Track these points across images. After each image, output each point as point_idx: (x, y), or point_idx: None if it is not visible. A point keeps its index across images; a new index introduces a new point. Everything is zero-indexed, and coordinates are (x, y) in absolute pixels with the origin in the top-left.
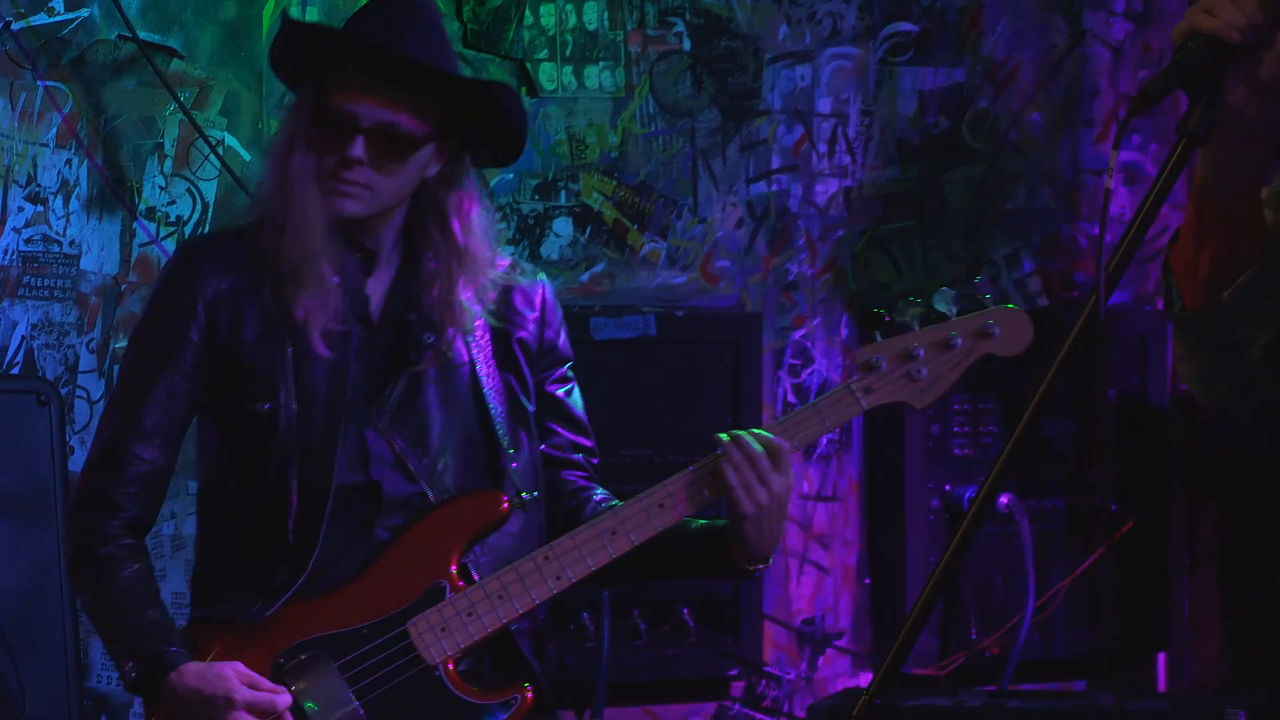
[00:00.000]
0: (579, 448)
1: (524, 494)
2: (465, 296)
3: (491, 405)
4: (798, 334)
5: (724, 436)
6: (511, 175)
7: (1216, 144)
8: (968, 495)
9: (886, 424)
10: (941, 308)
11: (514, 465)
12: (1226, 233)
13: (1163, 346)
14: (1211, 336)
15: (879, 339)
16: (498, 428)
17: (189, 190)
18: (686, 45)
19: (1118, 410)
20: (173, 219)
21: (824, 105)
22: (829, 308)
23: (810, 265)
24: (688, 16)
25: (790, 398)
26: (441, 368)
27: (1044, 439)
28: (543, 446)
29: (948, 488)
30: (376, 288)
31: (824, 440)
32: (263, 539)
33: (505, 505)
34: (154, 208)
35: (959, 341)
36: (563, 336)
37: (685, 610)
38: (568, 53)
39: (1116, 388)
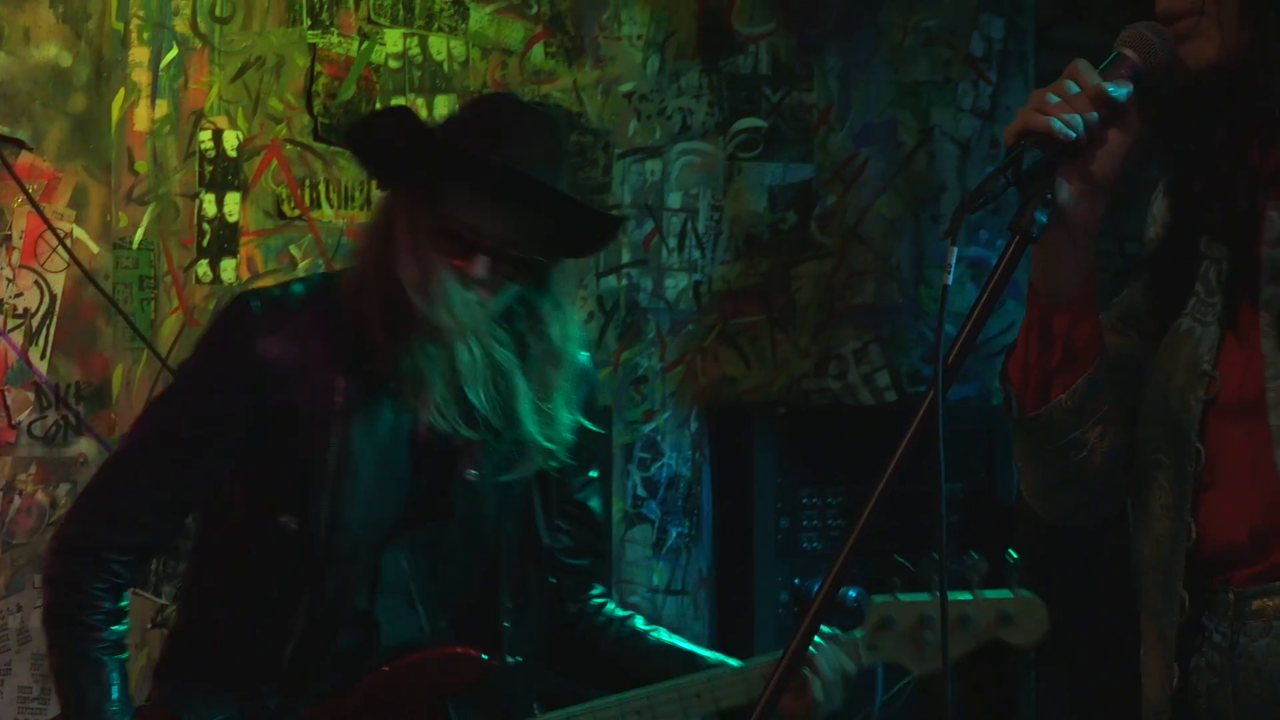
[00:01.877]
0: (590, 552)
1: (508, 657)
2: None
3: (505, 547)
4: (647, 428)
5: (813, 649)
6: None
7: (1050, 244)
8: (815, 588)
9: (736, 517)
10: (966, 575)
11: (509, 621)
12: (1062, 334)
13: (1008, 442)
14: (1050, 441)
15: (899, 596)
16: (503, 575)
17: (36, 282)
18: None
19: (965, 504)
20: (20, 311)
21: (674, 200)
22: (679, 402)
23: (660, 359)
24: None
25: (640, 491)
26: (472, 498)
27: (889, 531)
28: (553, 545)
29: (797, 581)
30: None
31: (674, 533)
32: (255, 658)
33: (481, 672)
34: (1, 300)
35: (975, 620)
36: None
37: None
38: None
39: (963, 482)
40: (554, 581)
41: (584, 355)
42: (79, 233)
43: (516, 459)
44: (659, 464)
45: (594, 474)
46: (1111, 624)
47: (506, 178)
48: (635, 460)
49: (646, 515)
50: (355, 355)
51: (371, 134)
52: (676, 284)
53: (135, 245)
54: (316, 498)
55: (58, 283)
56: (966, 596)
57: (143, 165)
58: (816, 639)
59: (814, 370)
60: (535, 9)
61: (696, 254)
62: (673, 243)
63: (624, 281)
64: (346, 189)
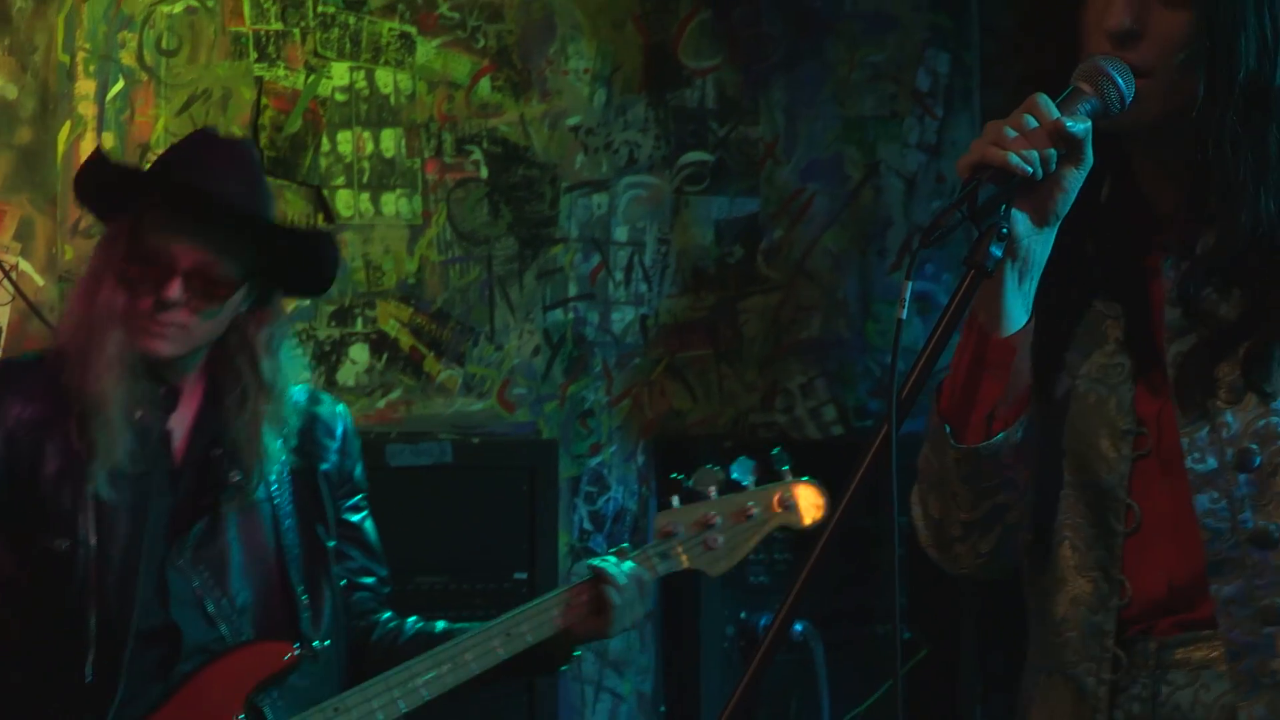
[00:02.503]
0: (370, 572)
1: (314, 643)
2: (270, 433)
3: (289, 549)
4: (594, 461)
5: (596, 563)
6: (308, 302)
7: (999, 281)
8: (763, 623)
9: None
10: (739, 477)
11: (306, 612)
12: (1008, 368)
13: None
14: (986, 478)
15: (677, 505)
16: (293, 573)
17: None
18: (484, 173)
19: (911, 539)
20: None
21: (621, 233)
22: (625, 435)
23: (607, 393)
24: (485, 145)
25: (586, 525)
26: (244, 507)
27: (839, 567)
28: (337, 569)
29: (743, 615)
30: (180, 424)
31: None
32: (58, 676)
33: (289, 658)
34: None
35: (756, 513)
36: (359, 467)
37: None
38: (365, 180)
39: (910, 516)
40: (345, 590)
41: (299, 390)
42: (24, 265)
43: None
44: (605, 497)
45: (362, 499)
46: None
47: (189, 195)
48: (582, 494)
49: (593, 549)
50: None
51: (85, 180)
52: (623, 317)
53: (63, 313)
54: (80, 518)
55: (3, 315)
56: (745, 490)
57: None
58: (610, 557)
59: (760, 404)
60: (482, 43)
61: (643, 287)
62: (619, 276)
63: (570, 315)
64: (293, 222)
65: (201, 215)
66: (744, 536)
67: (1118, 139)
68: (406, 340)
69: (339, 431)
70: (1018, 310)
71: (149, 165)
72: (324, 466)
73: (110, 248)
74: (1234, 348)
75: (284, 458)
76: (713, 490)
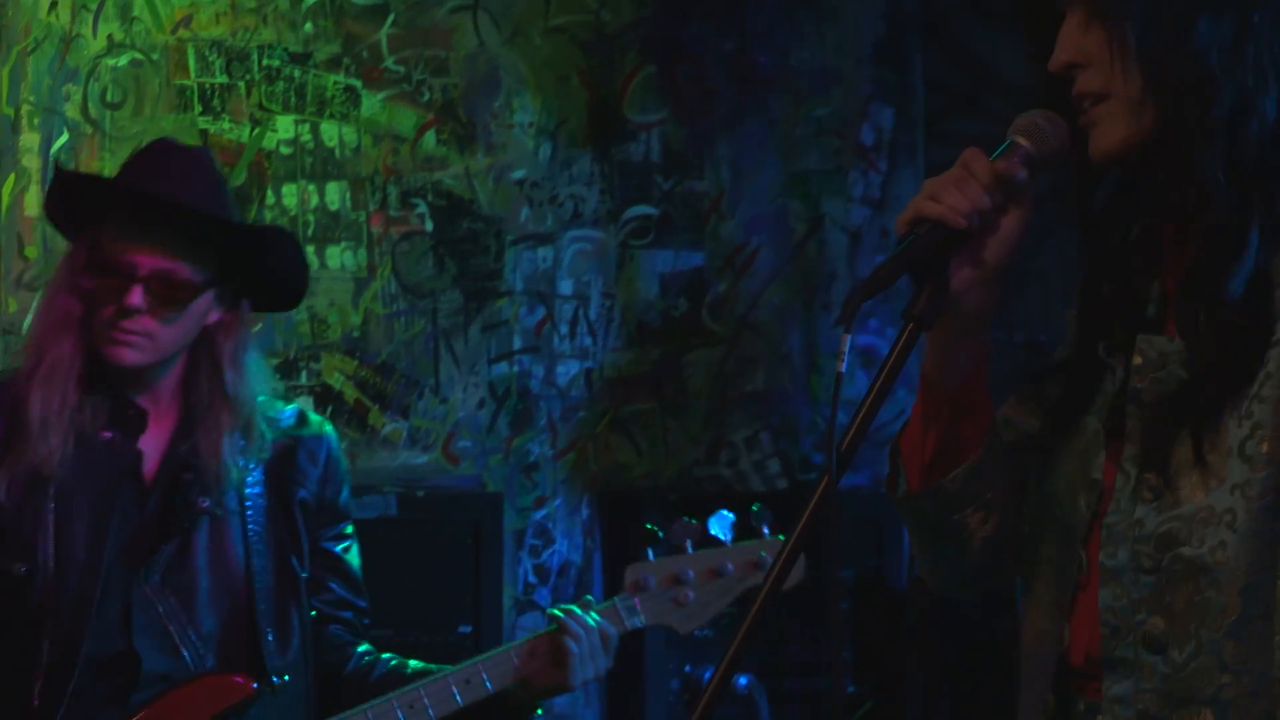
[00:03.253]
0: (349, 605)
1: (274, 678)
2: (236, 450)
3: (258, 577)
4: (539, 514)
5: (558, 612)
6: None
7: (943, 332)
8: (707, 675)
9: None
10: (717, 532)
11: (270, 646)
12: (950, 420)
13: (899, 529)
14: (930, 520)
15: (651, 557)
16: (260, 604)
17: None
18: (429, 226)
19: (856, 592)
20: None
21: (566, 287)
22: (570, 488)
23: (551, 446)
24: (430, 198)
25: (531, 578)
26: (214, 531)
27: (782, 620)
28: (313, 600)
29: (688, 668)
30: (152, 445)
31: None
32: (6, 700)
33: (248, 692)
34: None
35: (731, 570)
36: (345, 493)
37: None
38: (310, 233)
39: (855, 569)
40: (316, 621)
41: (288, 410)
42: None
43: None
44: (550, 551)
45: (346, 528)
46: (998, 706)
47: (144, 198)
48: (526, 547)
49: (537, 602)
50: (62, 402)
51: (51, 195)
52: (568, 371)
53: (25, 331)
54: (39, 541)
55: None
56: (721, 547)
57: (32, 250)
58: (574, 608)
59: (705, 457)
60: (427, 96)
61: (588, 341)
62: (564, 329)
63: (516, 368)
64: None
65: (158, 219)
66: (717, 594)
67: (1143, 185)
68: (351, 393)
69: (322, 457)
70: (961, 362)
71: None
72: (302, 494)
73: (70, 262)
74: (1185, 429)
75: (259, 481)
76: (688, 544)
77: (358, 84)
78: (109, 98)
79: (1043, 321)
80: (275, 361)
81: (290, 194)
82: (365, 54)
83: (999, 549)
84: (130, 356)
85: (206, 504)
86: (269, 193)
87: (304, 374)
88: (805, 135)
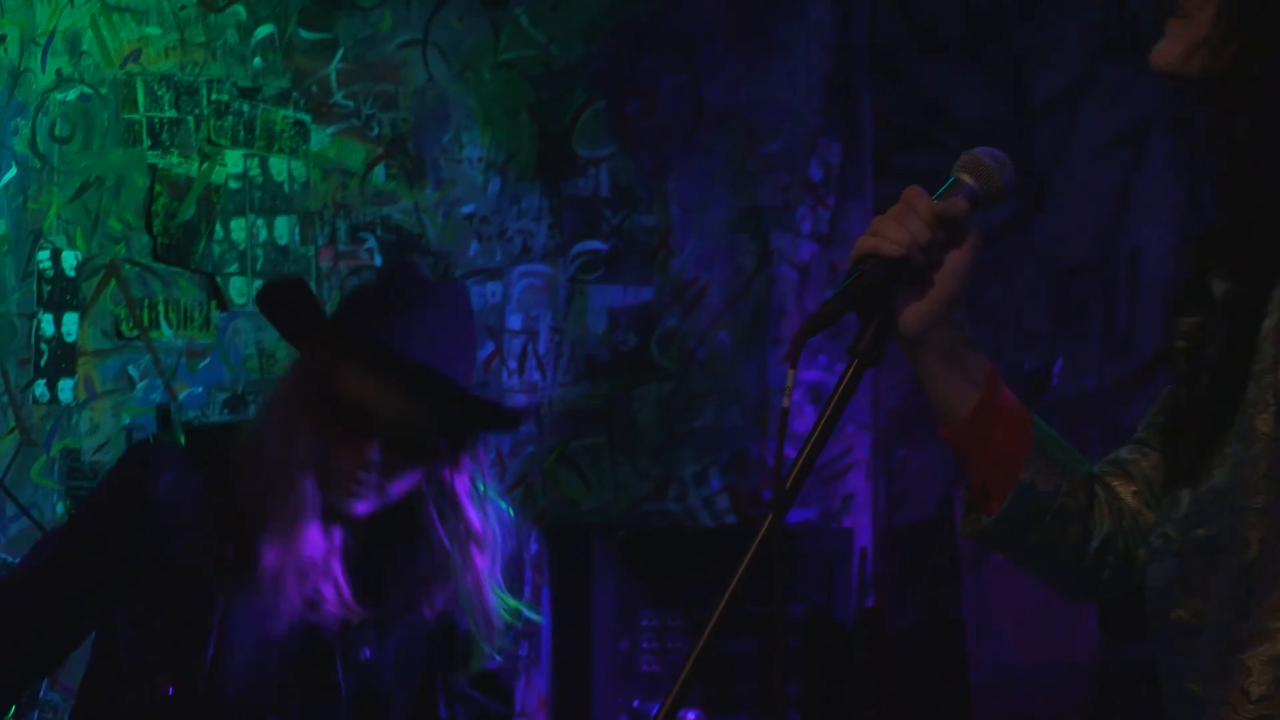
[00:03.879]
0: (493, 714)
1: None
2: (497, 593)
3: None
4: None
5: None
6: (201, 389)
7: (924, 371)
8: (655, 710)
9: (575, 639)
10: None
11: None
12: (980, 448)
13: (848, 564)
14: (1017, 546)
15: None
16: None
17: None
18: (378, 261)
19: (803, 627)
20: None
21: (514, 322)
22: (518, 524)
23: (500, 481)
24: (379, 232)
25: None
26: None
27: (729, 655)
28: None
29: (636, 704)
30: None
31: (519, 654)
32: None
33: None
34: None
35: None
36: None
37: None
38: (258, 267)
39: (803, 604)
40: None
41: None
42: None
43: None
44: None
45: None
46: None
47: (391, 360)
48: None
49: None
50: (245, 520)
51: (273, 301)
52: (516, 405)
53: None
54: (195, 666)
55: None
56: None
57: None
58: None
59: (654, 492)
60: (376, 131)
61: (537, 376)
62: (513, 364)
63: None
64: (186, 309)
65: (397, 377)
66: None
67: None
68: None
69: None
70: (958, 394)
71: (346, 299)
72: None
73: (304, 385)
74: (1202, 414)
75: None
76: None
77: (307, 118)
78: (58, 132)
79: (992, 356)
80: (224, 396)
81: (239, 228)
82: (314, 89)
83: (1111, 550)
84: (362, 508)
85: (367, 658)
86: (218, 227)
87: (252, 409)
88: (754, 170)
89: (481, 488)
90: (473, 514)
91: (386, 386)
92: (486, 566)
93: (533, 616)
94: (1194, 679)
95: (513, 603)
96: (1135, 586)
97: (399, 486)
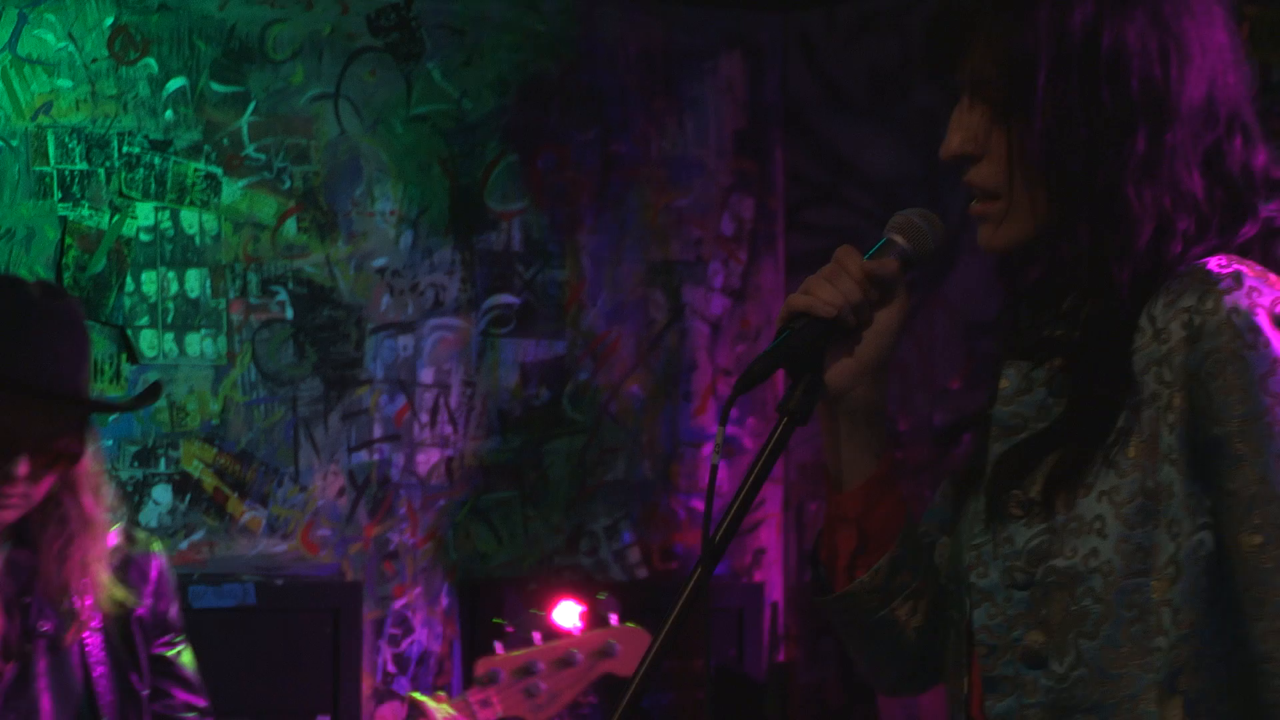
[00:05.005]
0: (191, 707)
1: None
2: (92, 576)
3: (100, 695)
4: (398, 603)
5: (417, 695)
6: (111, 442)
7: (835, 429)
8: None
9: None
10: (564, 623)
11: None
12: (862, 516)
13: (759, 619)
14: (859, 619)
15: (498, 651)
16: None
17: None
18: (289, 314)
19: (715, 681)
20: None
21: (426, 375)
22: (430, 577)
23: (411, 534)
24: (290, 286)
25: (390, 667)
26: (54, 654)
27: (644, 710)
28: (155, 707)
29: None
30: None
31: None
32: None
33: None
34: None
35: (580, 659)
36: (175, 608)
37: None
38: (169, 320)
39: (715, 659)
40: None
41: (113, 530)
42: None
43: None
44: (410, 640)
45: (177, 638)
46: None
47: (11, 382)
48: (385, 636)
49: (396, 691)
50: None
51: None
52: (429, 459)
53: None
54: None
55: None
56: (569, 636)
57: None
58: (429, 700)
59: (566, 546)
60: (288, 184)
61: (449, 429)
62: (425, 418)
63: (376, 457)
64: (96, 363)
65: (37, 400)
66: (568, 683)
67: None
68: (210, 481)
69: (153, 574)
70: (860, 459)
71: None
72: (139, 611)
73: None
74: (1047, 454)
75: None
76: (536, 636)
77: (218, 171)
78: None
79: (903, 411)
80: (134, 449)
81: (150, 281)
82: (226, 141)
83: (934, 639)
84: (9, 517)
85: (48, 628)
86: (129, 279)
87: (163, 462)
88: (666, 225)
89: (97, 478)
90: (88, 503)
91: (17, 407)
92: (95, 557)
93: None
94: (1030, 711)
95: (120, 594)
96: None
97: (42, 490)
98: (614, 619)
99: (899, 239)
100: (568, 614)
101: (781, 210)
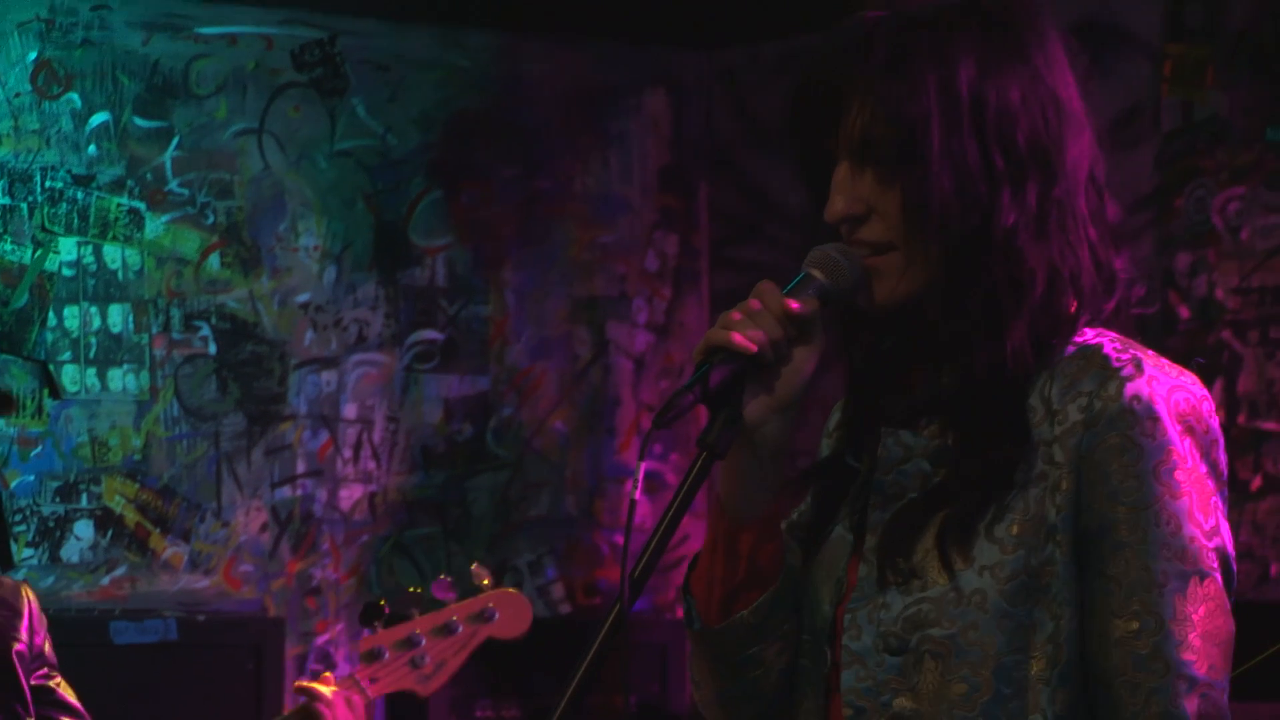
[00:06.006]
0: None
1: None
2: None
3: None
4: (321, 639)
5: (303, 682)
6: (33, 477)
7: (738, 463)
8: None
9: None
10: (440, 593)
11: None
12: (750, 551)
13: (681, 655)
14: (728, 655)
15: (380, 627)
16: None
17: None
18: (212, 349)
19: (637, 718)
20: None
21: (350, 411)
22: (352, 613)
23: (334, 570)
24: (214, 321)
25: None
26: None
27: None
28: None
29: None
30: None
31: None
32: None
33: None
34: None
35: (460, 626)
36: (49, 644)
37: None
38: (91, 355)
39: (637, 695)
40: None
41: None
42: None
43: None
44: (335, 676)
45: (54, 671)
46: None
47: None
48: (308, 672)
49: None
50: None
51: None
52: (352, 495)
53: None
54: None
55: None
56: (448, 605)
57: None
58: (319, 686)
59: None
60: (212, 219)
61: (372, 465)
62: (348, 453)
63: (299, 492)
64: (19, 397)
65: None
66: (452, 652)
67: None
68: (132, 516)
69: (24, 608)
70: (759, 495)
71: None
72: (18, 647)
73: None
74: (929, 523)
75: None
76: (414, 610)
77: (141, 206)
78: None
79: (820, 447)
80: (56, 484)
81: (72, 316)
82: (149, 176)
83: (788, 683)
84: None
85: None
86: (51, 314)
87: (84, 497)
88: (590, 261)
89: None
90: None
91: None
92: None
93: None
94: None
95: None
96: None
97: None
98: (486, 583)
99: (817, 274)
100: (442, 586)
101: (706, 247)
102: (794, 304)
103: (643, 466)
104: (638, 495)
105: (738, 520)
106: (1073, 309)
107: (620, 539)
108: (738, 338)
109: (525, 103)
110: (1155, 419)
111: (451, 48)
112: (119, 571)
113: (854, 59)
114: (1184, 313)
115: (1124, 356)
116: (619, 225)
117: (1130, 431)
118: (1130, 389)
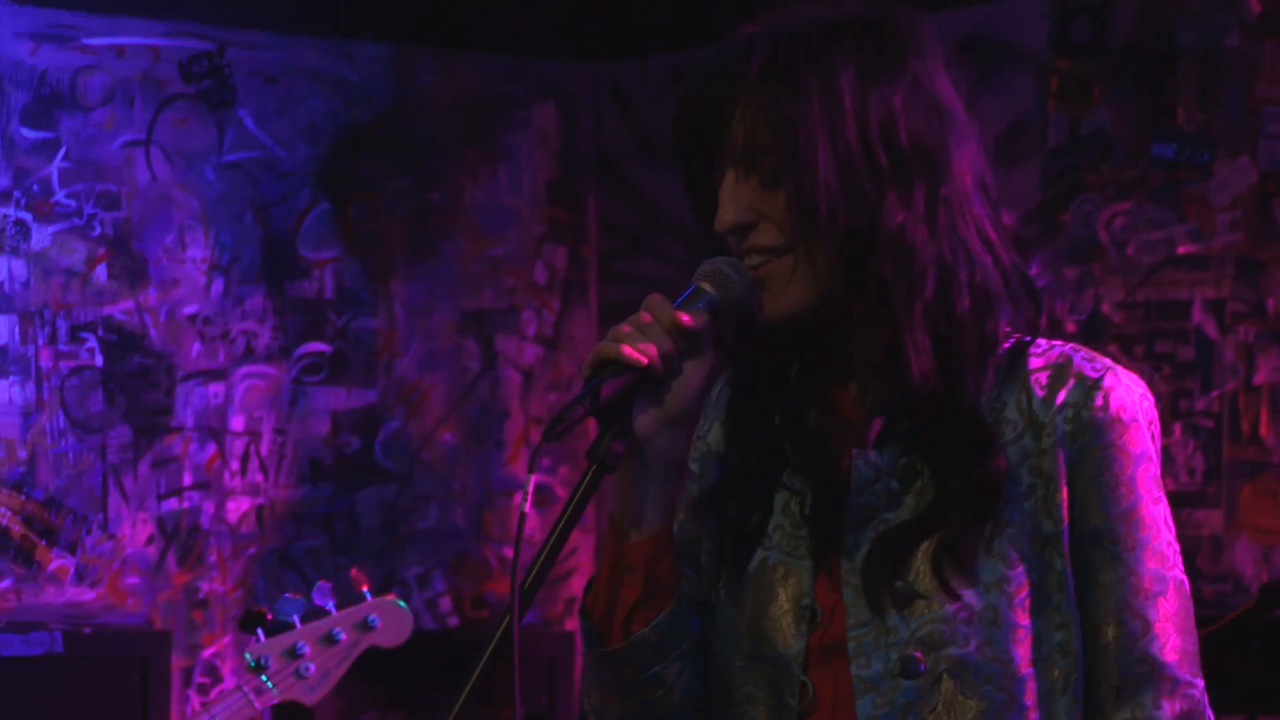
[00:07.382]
0: None
1: None
2: None
3: None
4: (208, 652)
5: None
6: None
7: (630, 477)
8: None
9: None
10: (322, 602)
11: None
12: (647, 568)
13: (571, 668)
14: (627, 675)
15: (262, 638)
16: None
17: None
18: (99, 361)
19: None
20: None
21: (237, 423)
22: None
23: (222, 583)
24: (100, 333)
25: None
26: None
27: None
28: None
29: None
30: None
31: None
32: None
33: None
34: None
35: (343, 635)
36: None
37: None
38: None
39: (526, 708)
40: None
41: None
42: None
43: None
44: (219, 689)
45: None
46: None
47: None
48: (194, 685)
49: None
50: None
51: None
52: (239, 507)
53: None
54: None
55: None
56: (328, 616)
57: None
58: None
59: (376, 594)
60: (98, 230)
61: (260, 477)
62: (235, 466)
63: (186, 504)
64: None
65: None
66: (335, 661)
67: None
68: (17, 529)
69: None
70: (652, 510)
71: None
72: None
73: None
74: (919, 541)
75: None
76: (296, 618)
77: (28, 217)
78: None
79: None
80: None
81: None
82: (36, 188)
83: (691, 702)
84: None
85: None
86: None
87: None
88: (479, 274)
89: None
90: None
91: None
92: None
93: None
94: None
95: None
96: None
97: None
98: (366, 590)
99: (707, 287)
100: (323, 592)
101: (594, 259)
102: (684, 317)
103: (532, 479)
104: (527, 508)
105: (631, 536)
106: (989, 316)
107: (509, 552)
108: (628, 350)
109: (414, 115)
110: (1136, 427)
111: (341, 60)
112: (4, 584)
113: (735, 70)
114: (1070, 327)
115: (1098, 366)
116: (508, 238)
117: (1119, 440)
118: (1115, 400)
